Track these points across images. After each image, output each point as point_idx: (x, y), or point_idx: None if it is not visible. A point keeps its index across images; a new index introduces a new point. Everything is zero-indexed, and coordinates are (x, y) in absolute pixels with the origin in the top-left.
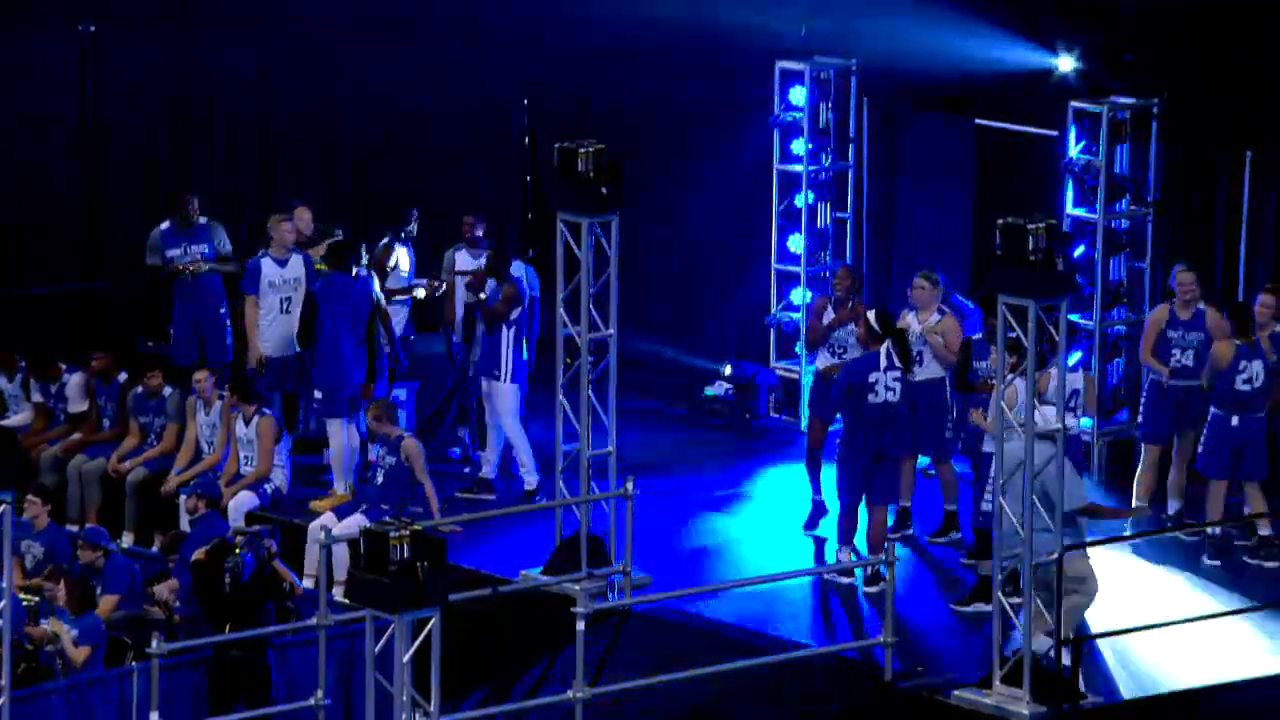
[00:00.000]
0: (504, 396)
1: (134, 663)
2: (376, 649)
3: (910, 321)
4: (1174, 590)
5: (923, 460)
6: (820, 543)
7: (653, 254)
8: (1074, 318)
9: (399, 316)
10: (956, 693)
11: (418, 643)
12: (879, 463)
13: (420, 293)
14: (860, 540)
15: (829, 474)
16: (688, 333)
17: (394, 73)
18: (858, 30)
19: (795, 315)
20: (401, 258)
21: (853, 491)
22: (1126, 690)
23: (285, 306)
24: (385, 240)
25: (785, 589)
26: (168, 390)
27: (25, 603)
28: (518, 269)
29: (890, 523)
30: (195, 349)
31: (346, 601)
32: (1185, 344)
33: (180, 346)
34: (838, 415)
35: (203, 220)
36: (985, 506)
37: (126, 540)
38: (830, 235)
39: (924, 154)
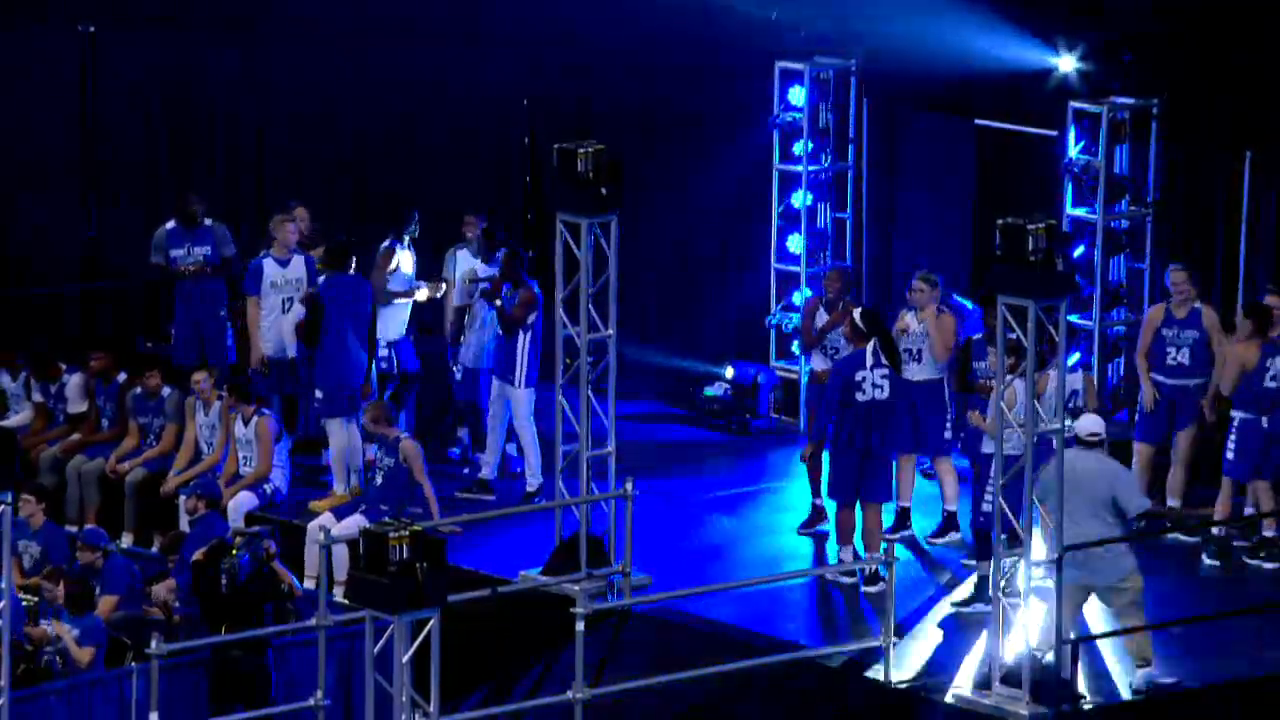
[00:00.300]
0: (519, 401)
1: (133, 663)
2: (376, 649)
3: (909, 322)
4: (1174, 590)
5: (923, 460)
6: (820, 543)
7: (652, 254)
8: (1073, 318)
9: (401, 318)
10: (955, 693)
11: (417, 643)
12: (868, 461)
13: (422, 295)
14: (857, 540)
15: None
16: (687, 333)
17: (394, 73)
18: (858, 29)
19: (795, 316)
20: (403, 260)
21: (845, 490)
22: (1126, 691)
23: (286, 307)
24: (386, 243)
25: (785, 589)
26: (166, 391)
27: (25, 603)
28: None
29: (890, 523)
30: (196, 350)
31: (346, 602)
32: (1180, 343)
33: (181, 348)
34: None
35: (208, 222)
36: (985, 507)
37: (126, 541)
38: (830, 235)
39: (924, 154)
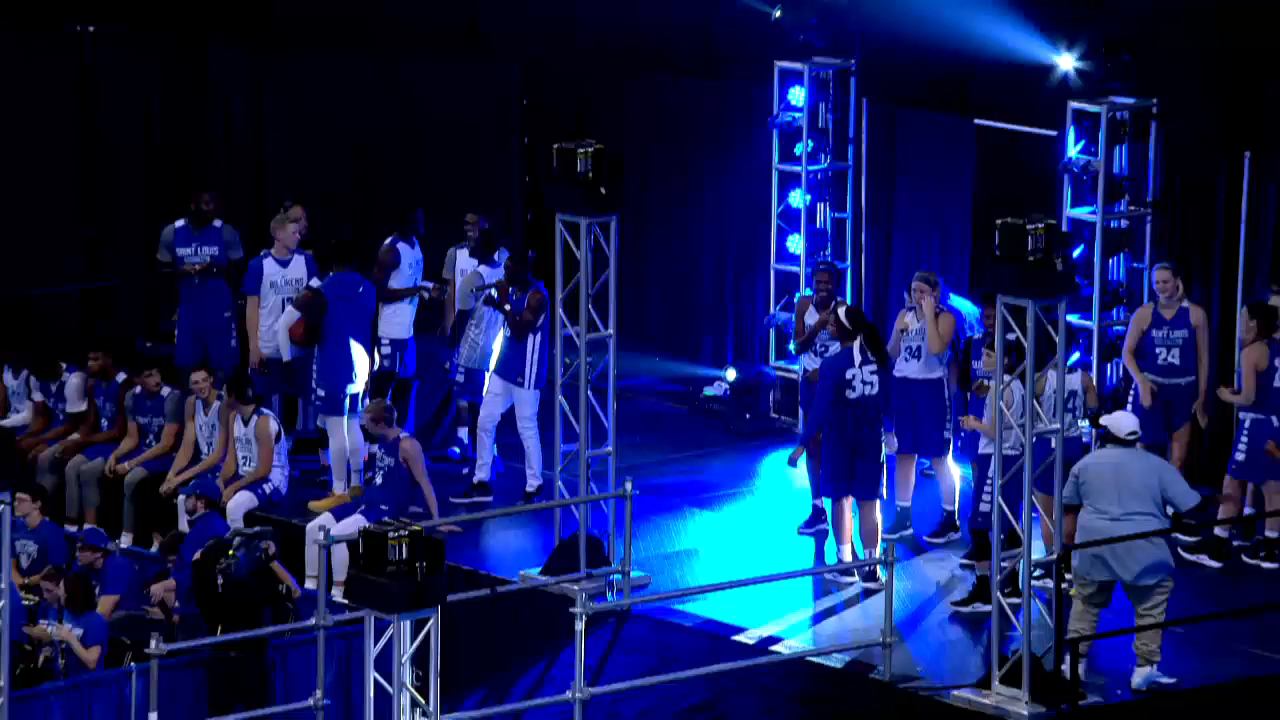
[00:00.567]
0: (525, 402)
1: (133, 663)
2: (376, 649)
3: (909, 321)
4: (1174, 590)
5: (922, 460)
6: (820, 542)
7: (651, 254)
8: (1073, 317)
9: (406, 317)
10: (955, 693)
11: (417, 643)
12: (860, 458)
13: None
14: (856, 539)
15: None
16: (687, 333)
17: (393, 73)
18: (858, 28)
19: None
20: (407, 257)
21: (837, 486)
22: (1126, 690)
23: (286, 307)
24: (389, 240)
25: (784, 589)
26: (166, 390)
27: (26, 602)
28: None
29: (889, 523)
30: (199, 351)
31: (345, 602)
32: (1169, 342)
33: (184, 348)
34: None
35: (218, 223)
36: (984, 507)
37: (125, 541)
38: (830, 236)
39: (923, 154)
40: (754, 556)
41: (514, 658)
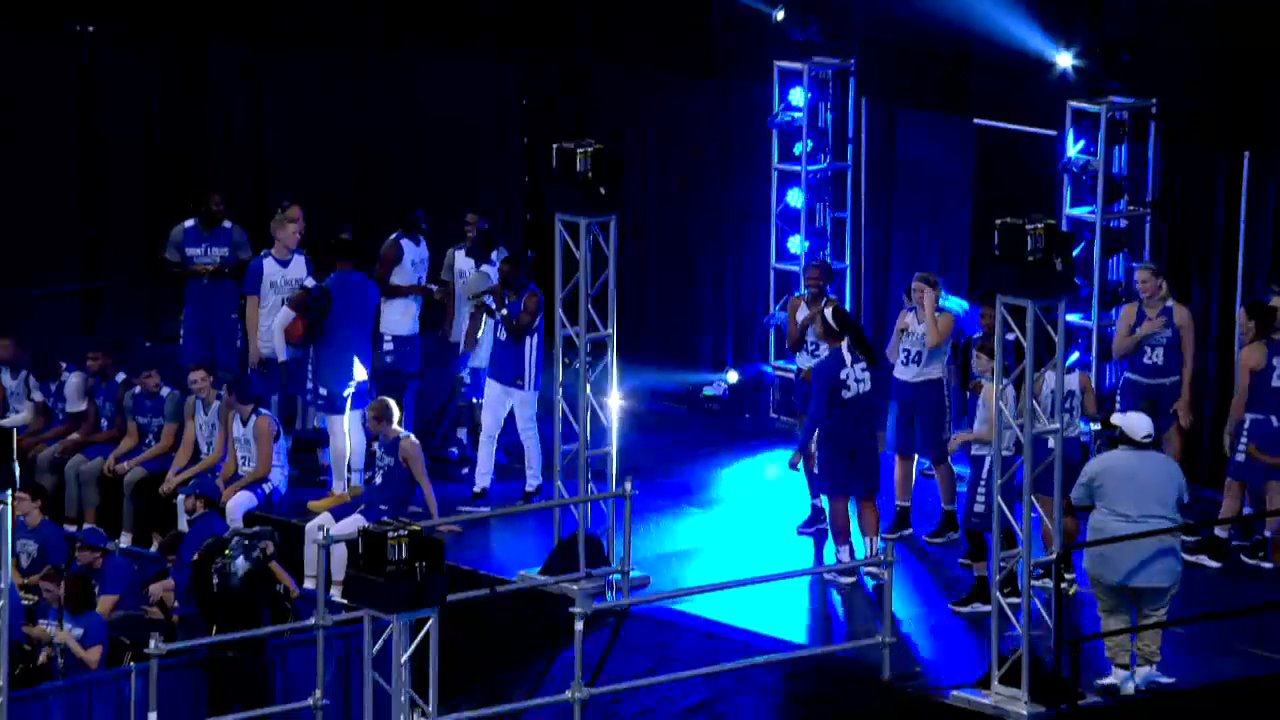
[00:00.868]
0: (525, 404)
1: (132, 663)
2: (375, 649)
3: (910, 322)
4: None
5: (922, 461)
6: (819, 542)
7: (651, 254)
8: (1076, 317)
9: (410, 315)
10: (955, 693)
11: (416, 643)
12: (860, 455)
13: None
14: (855, 538)
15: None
16: (687, 334)
17: (393, 73)
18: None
19: None
20: (411, 255)
21: (840, 488)
22: (1126, 690)
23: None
24: (393, 237)
25: (784, 589)
26: (165, 390)
27: (26, 602)
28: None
29: (889, 523)
30: (205, 351)
31: (345, 602)
32: (1154, 342)
33: (190, 348)
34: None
35: (227, 224)
36: (978, 508)
37: (125, 540)
38: (829, 236)
39: (923, 154)
40: (754, 556)
41: (513, 658)
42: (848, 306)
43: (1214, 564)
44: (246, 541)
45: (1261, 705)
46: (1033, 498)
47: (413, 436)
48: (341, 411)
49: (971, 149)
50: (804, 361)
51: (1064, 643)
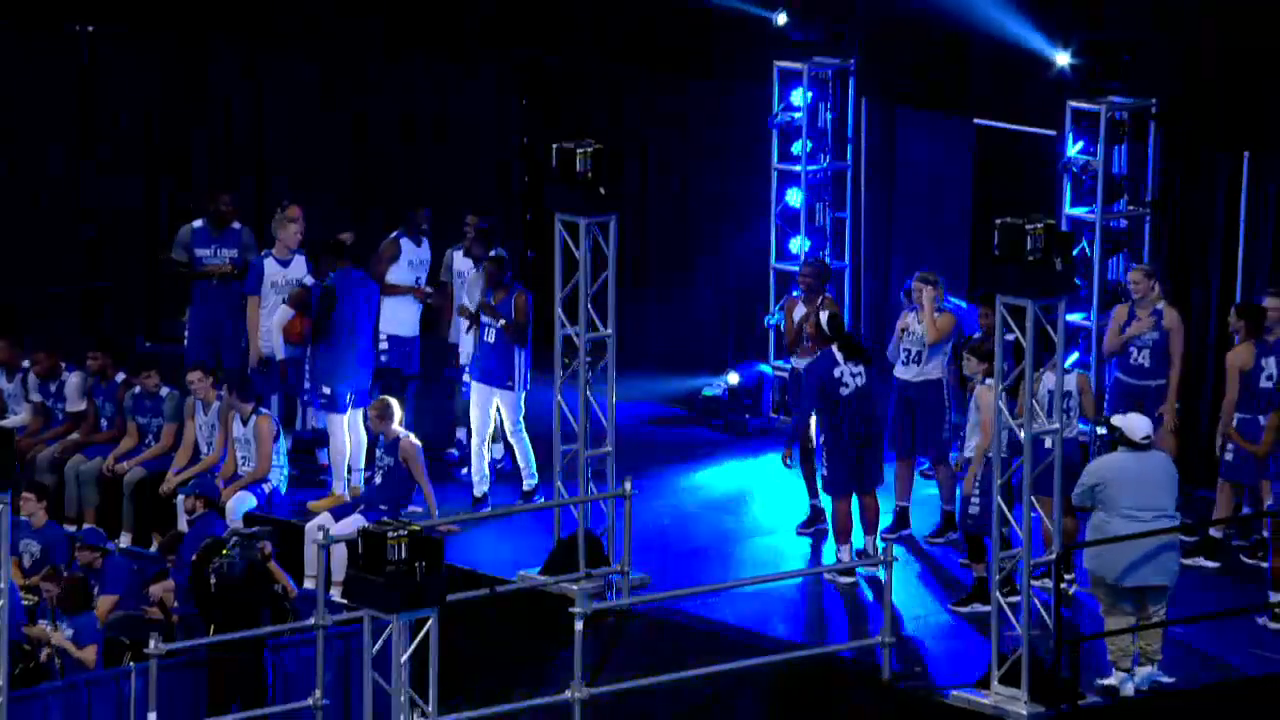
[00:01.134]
0: (511, 405)
1: (132, 663)
2: (375, 649)
3: (910, 322)
4: (1174, 590)
5: (922, 461)
6: (818, 542)
7: (651, 254)
8: (1079, 316)
9: (411, 315)
10: (955, 693)
11: (416, 643)
12: (865, 450)
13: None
14: (855, 538)
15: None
16: (686, 334)
17: (393, 73)
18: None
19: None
20: (410, 254)
21: (844, 484)
22: (1126, 690)
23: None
24: (393, 235)
25: (784, 589)
26: (165, 390)
27: (26, 602)
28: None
29: (889, 523)
30: (210, 351)
31: (344, 602)
32: (1141, 344)
33: (196, 349)
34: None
35: (236, 225)
36: (972, 510)
37: (124, 541)
38: (829, 235)
39: (923, 154)
40: (754, 556)
41: (513, 658)
42: (847, 306)
43: (1211, 564)
44: (245, 541)
45: (1261, 705)
46: (1032, 498)
47: (413, 436)
48: (343, 410)
49: (971, 149)
50: (800, 361)
51: (1064, 643)
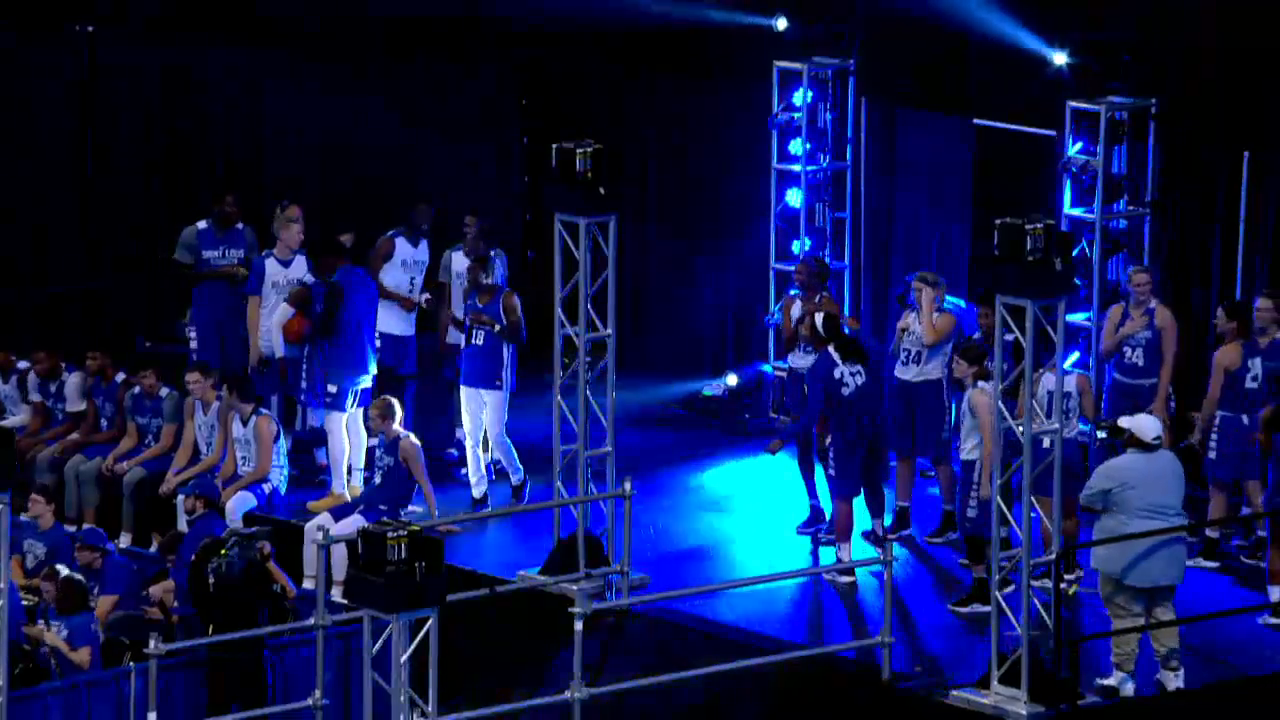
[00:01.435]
0: (497, 407)
1: (132, 663)
2: (374, 649)
3: (911, 321)
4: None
5: (922, 461)
6: (818, 542)
7: (651, 254)
8: (1082, 316)
9: (402, 314)
10: (955, 693)
11: (415, 643)
12: (874, 446)
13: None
14: (856, 538)
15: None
16: (687, 334)
17: (393, 73)
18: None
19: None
20: (407, 254)
21: (851, 485)
22: (1125, 690)
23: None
24: (390, 233)
25: (784, 589)
26: (164, 391)
27: (26, 602)
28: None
29: (889, 523)
30: (217, 351)
31: (344, 602)
32: (1134, 343)
33: (202, 349)
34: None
35: (240, 225)
36: (970, 512)
37: (124, 541)
38: (829, 235)
39: (923, 154)
40: (753, 556)
41: (513, 658)
42: (847, 306)
43: (1210, 564)
44: (243, 541)
45: (1261, 705)
46: (1032, 498)
47: (413, 436)
48: (346, 408)
49: (971, 149)
50: (797, 360)
51: (1064, 643)
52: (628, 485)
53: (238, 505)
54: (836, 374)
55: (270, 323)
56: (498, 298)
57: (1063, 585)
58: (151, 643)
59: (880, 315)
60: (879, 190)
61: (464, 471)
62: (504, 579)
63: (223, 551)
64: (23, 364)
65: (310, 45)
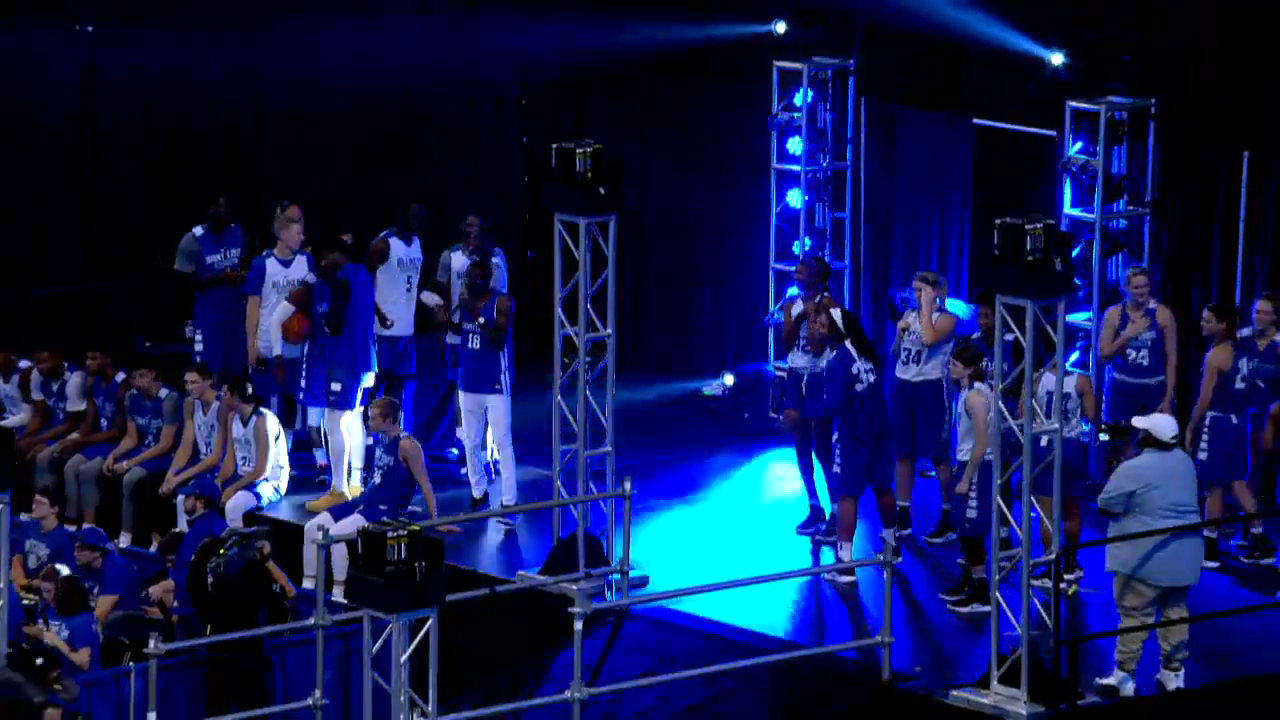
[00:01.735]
0: (500, 410)
1: (132, 663)
2: (374, 649)
3: (912, 321)
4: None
5: (923, 461)
6: (818, 542)
7: (651, 254)
8: (1082, 316)
9: (402, 314)
10: (955, 692)
11: (415, 643)
12: (878, 445)
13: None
14: (856, 538)
15: (822, 474)
16: (686, 334)
17: (391, 72)
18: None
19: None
20: (397, 251)
21: (857, 482)
22: (1124, 690)
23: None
24: (384, 233)
25: (784, 589)
26: (164, 391)
27: (26, 602)
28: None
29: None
30: (222, 353)
31: (344, 602)
32: (1139, 344)
33: (207, 351)
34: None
35: (233, 225)
36: (970, 514)
37: (124, 541)
38: (829, 235)
39: (922, 154)
40: (753, 556)
41: (513, 658)
42: (847, 306)
43: (1210, 564)
44: (243, 541)
45: (1261, 705)
46: (1032, 498)
47: (413, 436)
48: (350, 407)
49: (971, 149)
50: (795, 360)
51: (1064, 643)
52: (628, 485)
53: (237, 505)
54: (854, 369)
55: (270, 322)
56: (493, 301)
57: (1062, 585)
58: (151, 643)
59: (880, 315)
60: (879, 190)
61: (465, 471)
62: (504, 579)
63: (222, 551)
64: (24, 363)
65: (310, 45)
